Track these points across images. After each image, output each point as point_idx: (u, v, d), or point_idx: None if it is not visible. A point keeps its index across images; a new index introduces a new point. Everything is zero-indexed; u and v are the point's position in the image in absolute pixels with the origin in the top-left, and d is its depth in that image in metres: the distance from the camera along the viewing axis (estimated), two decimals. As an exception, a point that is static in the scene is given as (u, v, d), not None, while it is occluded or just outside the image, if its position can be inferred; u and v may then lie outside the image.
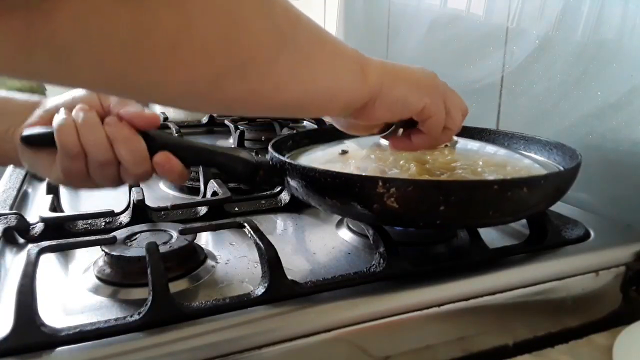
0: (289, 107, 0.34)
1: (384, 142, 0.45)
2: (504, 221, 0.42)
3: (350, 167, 0.42)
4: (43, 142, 0.37)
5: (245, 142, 0.83)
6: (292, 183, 0.40)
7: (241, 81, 0.29)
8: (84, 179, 0.38)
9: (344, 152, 0.47)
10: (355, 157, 0.46)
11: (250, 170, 0.41)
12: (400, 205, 0.34)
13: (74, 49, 0.23)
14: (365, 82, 0.36)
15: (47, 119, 0.38)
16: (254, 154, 0.43)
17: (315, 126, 0.93)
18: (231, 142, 0.87)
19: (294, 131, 0.69)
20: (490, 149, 0.50)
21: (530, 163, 0.45)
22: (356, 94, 0.36)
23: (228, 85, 0.29)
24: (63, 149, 0.36)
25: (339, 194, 0.37)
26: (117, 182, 0.39)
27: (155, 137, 0.38)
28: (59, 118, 0.37)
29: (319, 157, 0.48)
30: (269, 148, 0.44)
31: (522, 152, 0.51)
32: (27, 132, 0.38)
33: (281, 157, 0.41)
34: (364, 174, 0.39)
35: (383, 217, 0.37)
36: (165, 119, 0.99)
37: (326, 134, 0.54)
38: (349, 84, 0.35)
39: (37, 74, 0.25)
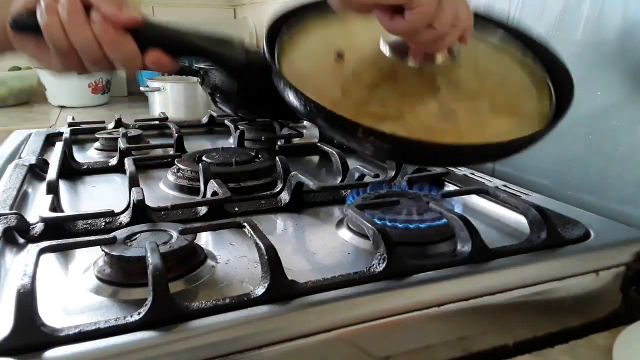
0: None
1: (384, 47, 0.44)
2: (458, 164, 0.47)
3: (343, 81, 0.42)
4: (32, 29, 0.37)
5: (246, 142, 0.83)
6: (289, 98, 0.40)
7: None
8: (82, 68, 0.39)
9: (340, 57, 0.45)
10: (351, 61, 0.44)
11: (241, 67, 0.41)
12: (375, 149, 0.37)
13: None
14: None
15: (32, 2, 0.37)
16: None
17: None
18: (231, 142, 0.87)
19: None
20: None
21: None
22: None
23: None
24: (54, 48, 0.36)
25: (325, 123, 0.39)
26: (113, 69, 0.39)
27: (143, 33, 0.37)
28: (42, 11, 0.36)
29: (311, 66, 0.45)
30: (264, 40, 0.42)
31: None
32: (14, 17, 0.37)
33: (275, 66, 0.40)
34: (348, 118, 0.38)
35: (356, 145, 0.38)
36: (165, 118, 0.99)
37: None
38: None
39: None
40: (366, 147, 0.37)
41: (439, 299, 0.36)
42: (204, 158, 0.68)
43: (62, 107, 1.48)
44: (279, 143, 0.83)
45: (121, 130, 0.85)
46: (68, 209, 0.55)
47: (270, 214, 0.54)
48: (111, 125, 0.92)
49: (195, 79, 0.96)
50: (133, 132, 0.85)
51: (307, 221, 0.53)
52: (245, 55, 0.40)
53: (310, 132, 0.92)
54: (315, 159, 0.80)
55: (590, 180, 0.56)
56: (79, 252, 0.44)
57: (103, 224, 0.49)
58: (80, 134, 0.91)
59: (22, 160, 0.70)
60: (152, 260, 0.34)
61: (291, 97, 0.39)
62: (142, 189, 0.52)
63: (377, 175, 0.57)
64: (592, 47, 0.54)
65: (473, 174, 0.63)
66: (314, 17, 0.48)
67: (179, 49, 0.39)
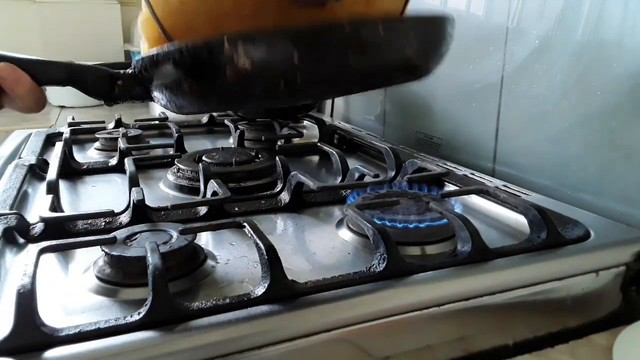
0: None
1: None
2: (373, 78, 0.37)
3: None
4: None
5: (245, 142, 0.83)
6: (156, 87, 0.36)
7: None
8: None
9: None
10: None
11: (106, 82, 0.37)
12: (252, 64, 0.31)
13: None
14: None
15: None
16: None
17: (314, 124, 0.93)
18: (231, 142, 0.87)
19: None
20: None
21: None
22: None
23: None
24: None
25: (193, 75, 0.33)
26: None
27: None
28: None
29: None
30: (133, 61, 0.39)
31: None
32: None
33: (137, 61, 0.36)
34: (206, 39, 0.33)
35: (244, 87, 0.33)
36: (165, 118, 0.99)
37: None
38: None
39: None
40: (242, 71, 0.30)
41: (439, 299, 0.36)
42: (204, 158, 0.68)
43: (62, 107, 1.48)
44: (279, 143, 0.83)
45: (121, 130, 0.85)
46: (68, 209, 0.55)
47: (270, 214, 0.54)
48: (111, 125, 0.92)
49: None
50: (133, 132, 0.85)
51: (307, 221, 0.53)
52: (109, 73, 0.37)
53: (310, 132, 0.92)
54: (315, 159, 0.80)
55: (590, 180, 0.56)
56: (79, 252, 0.44)
57: (103, 224, 0.49)
58: (80, 134, 0.91)
59: (22, 160, 0.70)
60: (152, 260, 0.34)
61: (159, 72, 0.34)
62: (142, 189, 0.52)
63: (377, 175, 0.57)
64: (592, 47, 0.54)
65: (473, 174, 0.63)
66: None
67: (37, 72, 0.36)
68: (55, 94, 1.49)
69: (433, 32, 0.37)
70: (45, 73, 0.36)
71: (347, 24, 0.32)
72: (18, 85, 0.34)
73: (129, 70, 0.37)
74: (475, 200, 0.56)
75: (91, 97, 0.38)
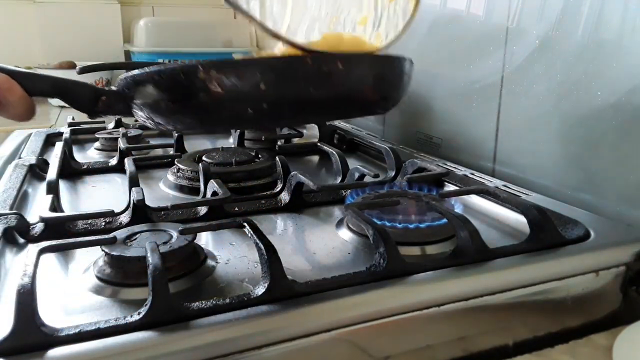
0: None
1: None
2: (332, 109, 0.40)
3: None
4: None
5: (245, 142, 0.83)
6: (136, 104, 0.38)
7: None
8: None
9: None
10: None
11: (90, 97, 0.39)
12: (224, 88, 0.34)
13: None
14: None
15: None
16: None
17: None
18: (231, 142, 0.87)
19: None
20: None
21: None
22: None
23: None
24: None
25: (170, 95, 0.36)
26: None
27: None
28: None
29: None
30: (119, 78, 0.41)
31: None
32: None
33: (121, 78, 0.39)
34: (182, 64, 0.37)
35: (215, 108, 0.36)
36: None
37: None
38: None
39: None
40: (215, 95, 0.34)
41: (439, 299, 0.36)
42: (204, 158, 0.68)
43: (62, 107, 1.47)
44: (279, 143, 0.83)
45: (121, 130, 0.85)
46: (68, 209, 0.55)
47: (270, 214, 0.54)
48: (111, 125, 0.92)
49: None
50: (133, 132, 0.85)
51: (307, 221, 0.53)
52: (94, 89, 0.40)
53: (310, 132, 0.92)
54: (315, 159, 0.80)
55: (590, 180, 0.56)
56: (79, 252, 0.44)
57: (103, 224, 0.49)
58: (80, 134, 0.91)
59: (22, 160, 0.70)
60: (152, 260, 0.34)
61: (143, 92, 0.37)
62: (142, 189, 0.52)
63: (377, 175, 0.57)
64: (592, 47, 0.54)
65: (473, 174, 0.63)
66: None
67: (25, 84, 0.38)
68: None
69: (390, 70, 0.40)
70: (35, 85, 0.39)
71: (310, 58, 0.35)
72: (10, 94, 0.36)
73: (113, 88, 0.39)
74: (475, 200, 0.56)
75: (76, 109, 0.40)
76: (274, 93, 0.34)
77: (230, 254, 0.44)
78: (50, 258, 0.43)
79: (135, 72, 0.37)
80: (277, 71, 0.35)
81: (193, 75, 0.34)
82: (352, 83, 0.37)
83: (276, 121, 0.43)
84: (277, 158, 0.61)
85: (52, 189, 0.53)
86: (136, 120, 0.97)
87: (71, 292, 0.38)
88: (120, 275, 0.38)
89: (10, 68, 0.38)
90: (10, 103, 0.37)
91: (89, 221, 0.49)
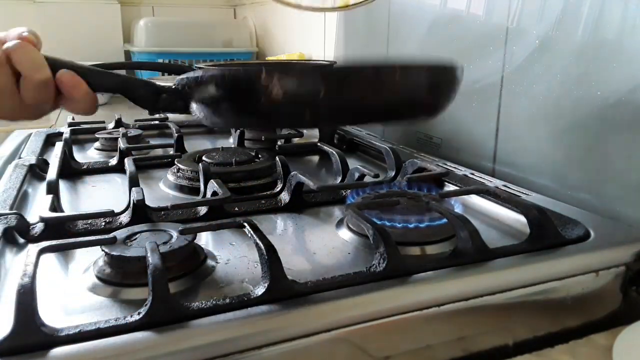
0: None
1: None
2: (386, 114, 0.42)
3: None
4: None
5: (245, 142, 0.83)
6: (194, 103, 0.40)
7: None
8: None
9: None
10: None
11: (152, 94, 0.41)
12: (284, 95, 0.35)
13: None
14: None
15: None
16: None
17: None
18: (231, 141, 0.87)
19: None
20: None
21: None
22: None
23: None
24: None
25: (231, 96, 0.37)
26: (16, 99, 0.37)
27: (53, 58, 0.38)
28: None
29: None
30: (177, 79, 0.43)
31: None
32: None
33: (181, 77, 0.40)
34: (248, 68, 0.39)
35: (273, 112, 0.37)
36: (165, 118, 0.99)
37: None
38: None
39: None
40: (274, 100, 0.35)
41: (439, 299, 0.36)
42: (204, 158, 0.68)
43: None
44: (279, 143, 0.83)
45: (121, 130, 0.85)
46: (68, 209, 0.55)
47: (270, 214, 0.54)
48: (111, 125, 0.92)
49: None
50: (133, 132, 0.85)
51: (307, 221, 0.53)
52: (156, 87, 0.41)
53: (310, 132, 0.92)
54: (315, 159, 0.80)
55: (590, 180, 0.56)
56: (79, 252, 0.44)
57: (103, 224, 0.49)
58: (80, 134, 0.91)
59: (22, 160, 0.70)
60: (152, 260, 0.34)
61: (204, 92, 0.38)
62: (142, 189, 0.52)
63: (377, 175, 0.57)
64: (592, 47, 0.54)
65: (473, 174, 0.63)
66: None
67: (91, 80, 0.40)
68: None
69: (445, 79, 0.41)
70: (100, 81, 0.40)
71: (370, 67, 0.37)
72: (76, 91, 0.37)
73: (173, 86, 0.41)
74: (475, 200, 0.56)
75: (137, 105, 0.42)
76: (333, 100, 0.36)
77: (230, 254, 0.44)
78: (50, 258, 0.43)
79: (199, 72, 0.39)
80: (338, 79, 0.36)
81: (256, 80, 0.35)
82: (408, 92, 0.38)
83: (331, 124, 0.44)
84: (277, 158, 0.61)
85: (52, 189, 0.53)
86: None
87: (71, 292, 0.38)
88: (120, 275, 0.38)
89: (77, 64, 0.39)
90: (76, 99, 0.38)
91: (89, 221, 0.49)
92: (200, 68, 0.40)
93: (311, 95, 0.35)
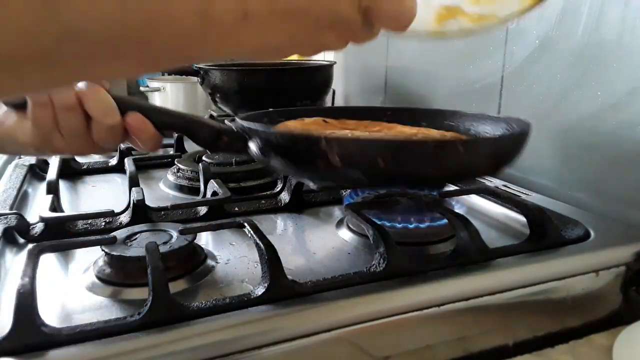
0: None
1: None
2: (447, 179, 0.44)
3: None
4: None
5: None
6: (252, 148, 0.41)
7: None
8: (55, 136, 0.38)
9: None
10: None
11: (214, 136, 0.43)
12: (344, 162, 0.36)
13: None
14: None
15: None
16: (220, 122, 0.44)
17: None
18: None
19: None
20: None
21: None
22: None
23: None
24: (31, 98, 0.37)
25: (292, 154, 0.38)
26: (87, 139, 0.39)
27: (122, 99, 0.39)
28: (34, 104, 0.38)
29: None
30: (236, 119, 0.45)
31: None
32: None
33: (243, 123, 0.42)
34: (308, 133, 0.41)
35: (331, 174, 0.38)
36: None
37: (305, 112, 0.54)
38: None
39: None
40: (333, 166, 0.35)
41: (439, 299, 0.36)
42: (204, 158, 0.68)
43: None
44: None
45: (121, 130, 0.85)
46: (68, 209, 0.55)
47: (270, 214, 0.54)
48: (111, 125, 0.92)
49: (195, 78, 0.96)
50: (133, 132, 0.85)
51: (307, 221, 0.53)
52: (217, 129, 0.43)
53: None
54: (315, 159, 0.80)
55: (590, 180, 0.56)
56: (79, 252, 0.44)
57: (103, 224, 0.49)
58: (80, 134, 0.91)
59: (22, 160, 0.70)
60: (152, 260, 0.34)
61: (266, 144, 0.40)
62: (142, 189, 0.52)
63: (377, 175, 0.57)
64: (592, 47, 0.54)
65: (473, 174, 0.63)
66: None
67: (157, 120, 0.41)
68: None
69: (509, 147, 0.41)
70: (165, 121, 0.42)
71: (432, 141, 0.38)
72: (143, 133, 0.39)
73: (234, 128, 0.43)
74: (475, 200, 0.56)
75: (198, 145, 0.44)
76: (392, 170, 0.36)
77: (230, 254, 0.44)
78: (50, 258, 0.43)
79: (258, 127, 0.41)
80: (398, 151, 0.36)
81: (315, 146, 0.36)
82: (472, 164, 0.38)
83: (387, 187, 0.47)
84: (277, 158, 0.61)
85: (52, 189, 0.53)
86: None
87: (71, 292, 0.38)
88: (120, 275, 0.38)
89: (144, 104, 0.41)
90: (142, 140, 0.40)
91: (89, 221, 0.49)
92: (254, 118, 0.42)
93: (369, 166, 0.36)
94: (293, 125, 0.47)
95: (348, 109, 0.57)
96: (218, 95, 0.92)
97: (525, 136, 0.41)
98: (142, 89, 1.28)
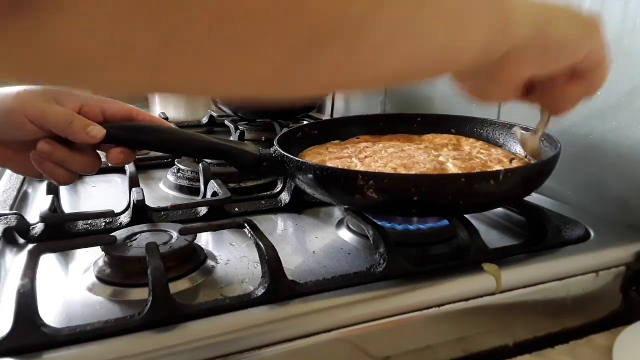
0: (388, 78, 0.26)
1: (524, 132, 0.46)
2: (478, 210, 0.45)
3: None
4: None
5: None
6: (292, 172, 0.44)
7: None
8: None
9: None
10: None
11: (256, 162, 0.46)
12: (379, 195, 0.37)
13: None
14: (507, 31, 0.26)
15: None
16: (259, 147, 0.46)
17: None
18: (231, 142, 0.87)
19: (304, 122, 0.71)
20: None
21: None
22: (490, 48, 0.26)
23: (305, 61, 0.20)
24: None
25: (329, 185, 0.40)
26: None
27: (164, 130, 0.45)
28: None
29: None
30: (274, 142, 0.47)
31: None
32: None
33: (281, 151, 0.45)
34: (346, 168, 0.44)
35: (367, 205, 0.40)
36: (165, 118, 0.99)
37: (338, 126, 0.57)
38: (480, 36, 0.25)
39: None
40: (369, 198, 0.37)
41: (439, 299, 0.36)
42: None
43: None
44: (279, 143, 0.83)
45: (121, 130, 0.85)
46: (68, 209, 0.55)
47: (270, 214, 0.54)
48: (111, 125, 0.92)
49: (195, 79, 0.96)
50: (133, 132, 0.85)
51: (307, 221, 0.53)
52: (259, 156, 0.46)
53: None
54: (315, 159, 0.80)
55: (590, 180, 0.56)
56: (79, 252, 0.44)
57: (103, 224, 0.49)
58: (80, 134, 0.91)
59: (22, 161, 0.69)
60: (152, 260, 0.34)
61: (303, 174, 0.42)
62: (142, 189, 0.52)
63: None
64: (592, 47, 0.54)
65: (473, 174, 0.63)
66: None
67: (201, 151, 0.48)
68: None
69: (540, 173, 0.43)
70: (212, 153, 0.48)
71: (463, 176, 0.38)
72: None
73: (274, 154, 0.46)
74: (475, 200, 0.56)
75: (241, 172, 0.49)
76: (425, 203, 0.38)
77: (230, 254, 0.44)
78: (50, 258, 0.43)
79: (299, 159, 0.43)
80: (432, 186, 0.38)
81: (352, 180, 0.38)
82: (502, 193, 0.39)
83: (417, 216, 0.48)
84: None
85: (52, 189, 0.53)
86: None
87: (71, 292, 0.38)
88: (120, 275, 0.38)
89: (184, 134, 0.46)
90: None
91: (89, 221, 0.49)
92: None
93: (403, 199, 0.37)
94: (320, 155, 0.50)
95: (378, 117, 0.62)
96: (218, 95, 0.92)
97: (555, 161, 0.43)
98: (142, 89, 1.28)
